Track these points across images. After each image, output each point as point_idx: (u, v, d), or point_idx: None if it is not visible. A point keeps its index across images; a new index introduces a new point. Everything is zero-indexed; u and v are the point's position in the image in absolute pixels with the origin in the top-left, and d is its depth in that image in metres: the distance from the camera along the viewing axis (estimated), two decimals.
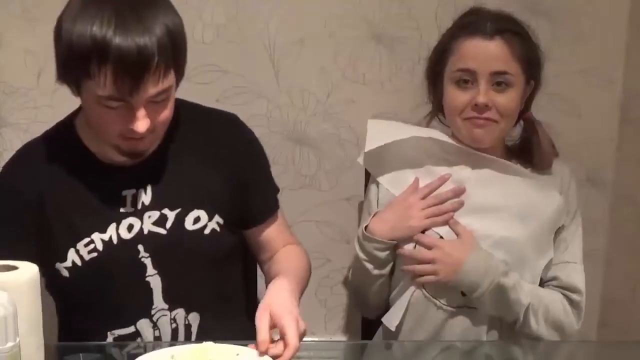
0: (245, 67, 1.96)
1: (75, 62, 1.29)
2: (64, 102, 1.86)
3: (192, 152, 1.50)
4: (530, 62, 1.56)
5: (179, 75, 1.38)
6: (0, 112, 1.94)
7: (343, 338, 2.13)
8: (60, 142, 1.49)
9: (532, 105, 1.66)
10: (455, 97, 1.55)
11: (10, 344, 0.98)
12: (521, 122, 1.65)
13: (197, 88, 1.91)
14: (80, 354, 1.37)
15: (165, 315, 1.47)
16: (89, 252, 1.44)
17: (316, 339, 2.07)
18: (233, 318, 1.53)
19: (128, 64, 1.25)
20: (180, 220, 1.47)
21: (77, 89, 1.36)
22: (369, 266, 1.58)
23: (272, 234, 1.60)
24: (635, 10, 2.01)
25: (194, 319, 1.50)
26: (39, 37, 1.91)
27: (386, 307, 1.65)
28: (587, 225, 2.04)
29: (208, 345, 1.27)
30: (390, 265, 1.60)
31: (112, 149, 1.41)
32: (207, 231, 1.49)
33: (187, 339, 1.49)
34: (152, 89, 1.29)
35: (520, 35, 1.55)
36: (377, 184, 1.66)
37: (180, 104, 1.46)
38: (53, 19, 1.90)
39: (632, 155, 2.08)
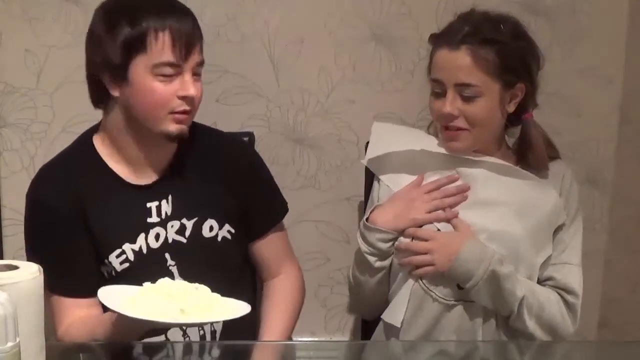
0: (245, 67, 1.96)
1: (131, 42, 1.44)
2: (64, 102, 1.87)
3: (202, 168, 1.60)
4: (510, 67, 1.53)
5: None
6: (0, 112, 1.94)
7: (343, 338, 2.13)
8: (81, 159, 1.57)
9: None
10: (432, 105, 1.59)
11: (10, 344, 0.98)
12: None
13: None
14: (80, 354, 1.37)
15: None
16: (121, 262, 1.53)
17: (316, 339, 2.08)
18: (249, 322, 1.57)
19: (183, 31, 1.46)
20: (197, 228, 1.58)
21: (121, 78, 1.46)
22: (371, 259, 1.59)
23: (272, 250, 1.69)
24: (635, 10, 2.01)
25: (218, 324, 1.58)
26: (39, 37, 1.91)
27: (385, 307, 1.65)
28: (587, 225, 2.04)
29: (166, 281, 1.36)
30: (391, 258, 1.61)
31: (154, 137, 1.51)
32: (219, 238, 1.60)
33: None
34: (197, 56, 1.50)
35: (496, 41, 1.52)
36: (379, 180, 1.68)
37: (195, 126, 1.60)
38: (53, 19, 1.91)
39: (632, 155, 2.08)
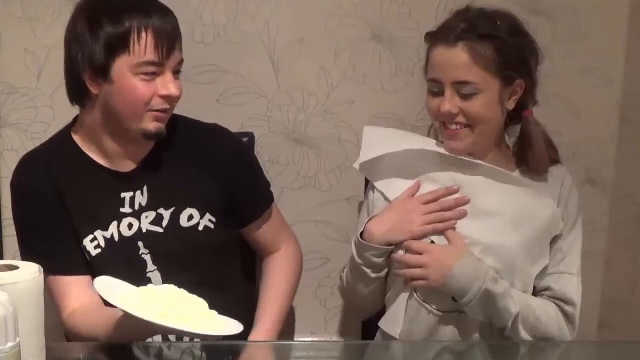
0: (245, 67, 1.96)
1: (114, 41, 1.46)
2: (64, 102, 1.86)
3: (181, 159, 1.61)
4: (508, 63, 1.51)
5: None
6: (0, 112, 1.94)
7: (343, 338, 2.13)
8: (60, 149, 1.61)
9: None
10: (429, 104, 1.56)
11: (10, 344, 0.98)
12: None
13: (197, 88, 1.91)
14: (80, 354, 1.37)
15: None
16: (94, 247, 1.57)
17: (316, 339, 2.08)
18: (233, 310, 1.56)
19: (164, 30, 1.48)
20: (175, 218, 1.59)
21: (102, 76, 1.48)
22: (367, 270, 1.58)
23: (266, 232, 1.72)
24: (635, 10, 2.01)
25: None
26: (39, 37, 1.91)
27: (382, 309, 1.65)
28: (587, 225, 2.04)
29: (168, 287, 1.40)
30: (387, 268, 1.60)
31: (132, 135, 1.53)
32: (200, 227, 1.61)
33: None
34: (177, 55, 1.52)
35: (493, 37, 1.50)
36: (373, 189, 1.66)
37: (176, 118, 1.61)
38: (53, 19, 1.91)
39: (632, 155, 2.08)
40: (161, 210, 1.59)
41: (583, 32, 2.01)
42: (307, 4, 1.95)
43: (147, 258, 1.58)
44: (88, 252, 1.57)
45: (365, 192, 1.74)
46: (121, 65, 1.47)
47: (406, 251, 1.55)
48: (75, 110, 1.88)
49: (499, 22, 1.52)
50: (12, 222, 1.94)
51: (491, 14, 1.54)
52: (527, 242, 1.54)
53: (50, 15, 1.91)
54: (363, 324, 1.91)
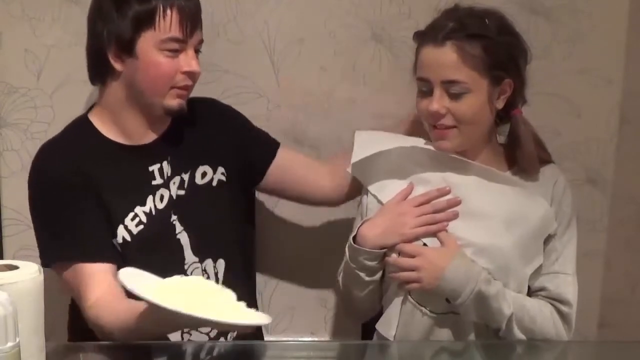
0: (245, 67, 1.96)
1: (140, 17, 1.52)
2: (64, 102, 1.87)
3: (192, 127, 1.70)
4: (497, 63, 1.51)
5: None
6: (0, 112, 1.94)
7: (343, 338, 2.13)
8: (80, 134, 1.64)
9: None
10: (419, 105, 1.56)
11: (10, 344, 0.98)
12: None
13: (197, 88, 1.89)
14: (80, 354, 1.38)
15: (197, 267, 1.64)
16: (137, 225, 1.60)
17: (316, 339, 2.08)
18: (250, 266, 1.70)
19: (188, 9, 1.55)
20: (192, 178, 1.68)
21: (127, 52, 1.54)
22: (361, 274, 1.58)
23: (294, 166, 1.80)
24: (635, 10, 2.01)
25: (220, 266, 1.67)
26: (39, 37, 1.91)
27: (379, 311, 1.65)
28: (587, 225, 2.04)
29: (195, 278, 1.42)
30: (381, 271, 1.59)
31: (154, 111, 1.60)
32: (214, 183, 1.70)
33: None
34: (199, 33, 1.60)
35: (482, 36, 1.49)
36: (367, 192, 1.65)
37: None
38: (53, 19, 1.91)
39: (632, 155, 2.08)
40: (182, 174, 1.66)
41: (583, 32, 2.01)
42: (307, 4, 1.95)
43: (176, 222, 1.63)
44: (130, 232, 1.59)
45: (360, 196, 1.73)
46: (146, 41, 1.53)
47: (399, 254, 1.55)
48: (75, 111, 1.89)
49: (487, 22, 1.52)
50: (12, 222, 1.96)
51: (480, 13, 1.54)
52: (521, 242, 1.54)
53: (50, 15, 1.91)
54: (363, 324, 1.91)
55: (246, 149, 1.76)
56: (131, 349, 1.42)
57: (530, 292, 1.59)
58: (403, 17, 1.97)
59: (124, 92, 1.59)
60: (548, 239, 1.58)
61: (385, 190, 1.62)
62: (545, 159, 1.62)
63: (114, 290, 1.50)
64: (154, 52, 1.54)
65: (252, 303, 1.51)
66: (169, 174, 1.65)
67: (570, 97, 2.04)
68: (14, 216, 1.95)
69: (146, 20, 1.52)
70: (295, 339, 2.01)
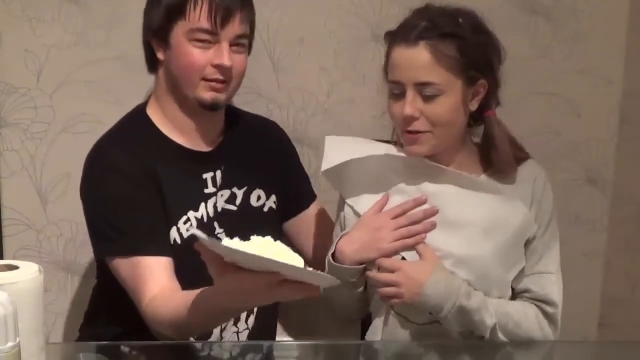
0: None
1: (172, 7, 1.54)
2: (64, 102, 1.87)
3: (248, 144, 1.71)
4: (471, 63, 1.45)
5: (251, 36, 1.63)
6: (0, 112, 1.94)
7: (343, 338, 2.12)
8: (138, 128, 1.63)
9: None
10: (391, 109, 1.51)
11: (10, 344, 0.98)
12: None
13: None
14: (80, 354, 1.37)
15: None
16: (187, 229, 1.58)
17: (316, 339, 2.07)
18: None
19: (220, 2, 1.53)
20: (247, 197, 1.69)
21: (164, 41, 1.57)
22: (343, 288, 1.51)
23: (317, 218, 1.80)
24: (635, 10, 2.01)
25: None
26: (39, 37, 1.91)
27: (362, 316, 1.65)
28: (587, 225, 2.05)
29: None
30: (363, 284, 1.56)
31: (192, 105, 1.58)
32: (266, 209, 1.71)
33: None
34: (237, 28, 1.56)
35: (456, 36, 1.44)
36: (344, 204, 1.61)
37: (236, 109, 1.76)
38: (53, 19, 1.91)
39: (632, 155, 2.08)
40: (235, 189, 1.66)
41: (583, 32, 2.01)
42: (307, 4, 1.95)
43: (222, 237, 1.60)
44: (181, 235, 1.58)
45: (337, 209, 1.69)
46: (178, 31, 1.55)
47: (379, 269, 1.52)
48: (75, 111, 1.89)
49: (460, 21, 1.47)
50: (12, 222, 1.96)
51: (453, 12, 1.49)
52: (501, 249, 1.51)
53: (50, 15, 1.91)
54: (363, 324, 1.91)
55: (292, 187, 1.78)
56: (133, 349, 1.42)
57: (515, 294, 1.56)
58: (403, 17, 1.96)
59: (165, 82, 1.61)
60: (529, 241, 1.55)
61: (362, 200, 1.58)
62: (521, 157, 1.58)
63: (172, 285, 1.50)
64: (184, 42, 1.55)
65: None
66: (220, 184, 1.65)
67: (570, 97, 2.04)
68: (14, 216, 1.95)
69: (177, 10, 1.54)
70: (296, 339, 2.01)
